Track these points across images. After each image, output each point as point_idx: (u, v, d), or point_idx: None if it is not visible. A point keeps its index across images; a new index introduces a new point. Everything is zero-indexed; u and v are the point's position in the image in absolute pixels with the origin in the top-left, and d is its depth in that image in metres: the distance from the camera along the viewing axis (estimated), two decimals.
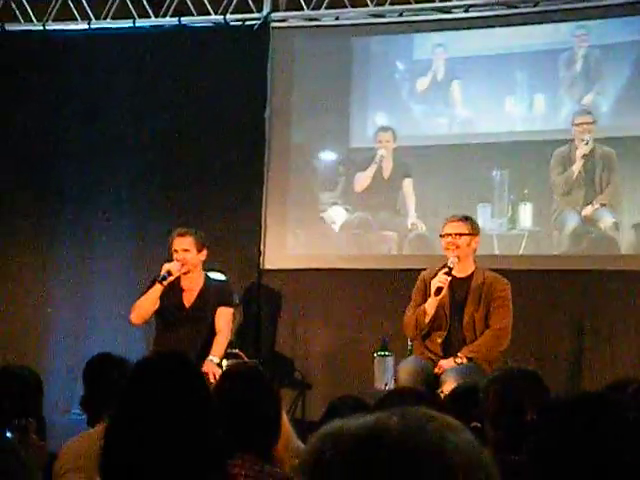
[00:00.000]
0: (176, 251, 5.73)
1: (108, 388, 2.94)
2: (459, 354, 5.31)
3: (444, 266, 5.43)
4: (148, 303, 5.67)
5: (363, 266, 6.93)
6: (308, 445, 1.09)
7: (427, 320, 5.35)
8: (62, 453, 3.12)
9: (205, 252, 5.80)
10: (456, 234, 5.40)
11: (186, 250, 5.72)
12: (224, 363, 5.79)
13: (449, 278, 5.32)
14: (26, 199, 7.45)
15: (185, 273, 5.73)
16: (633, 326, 6.37)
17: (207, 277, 5.87)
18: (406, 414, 1.10)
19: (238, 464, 2.13)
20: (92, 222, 7.37)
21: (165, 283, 5.64)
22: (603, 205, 6.51)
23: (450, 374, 5.09)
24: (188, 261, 5.72)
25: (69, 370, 7.18)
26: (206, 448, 1.86)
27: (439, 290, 5.30)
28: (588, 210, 6.55)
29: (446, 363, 5.31)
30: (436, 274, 5.41)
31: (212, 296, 5.79)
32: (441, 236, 5.50)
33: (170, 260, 5.74)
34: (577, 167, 6.60)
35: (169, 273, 5.66)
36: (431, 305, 5.34)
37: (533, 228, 6.72)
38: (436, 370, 5.32)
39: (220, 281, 5.99)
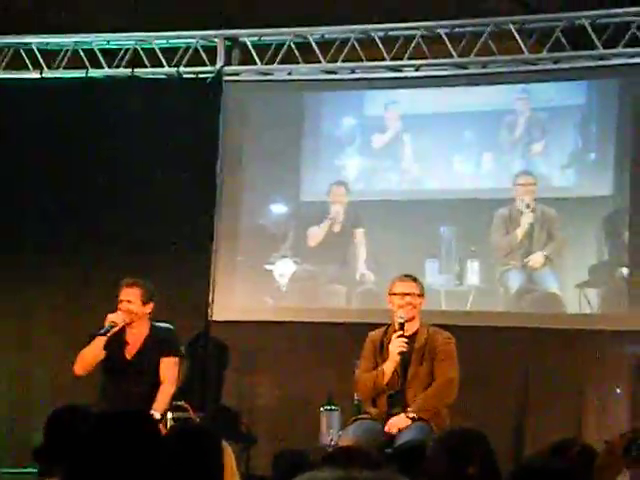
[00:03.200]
0: (121, 301, 5.71)
1: (68, 441, 2.80)
2: (409, 409, 5.33)
3: (392, 326, 5.47)
4: (91, 355, 5.65)
5: (311, 319, 6.95)
6: None
7: (385, 382, 5.40)
8: None
9: (151, 305, 5.78)
10: (412, 293, 5.46)
11: (129, 302, 5.70)
12: (169, 416, 5.74)
13: (407, 341, 5.37)
14: None
15: (129, 324, 5.70)
16: (577, 384, 6.45)
17: (152, 327, 5.83)
18: (378, 473, 1.11)
19: None
20: (36, 272, 7.31)
21: (108, 335, 5.61)
22: (547, 267, 6.61)
23: (404, 436, 5.09)
24: (132, 311, 5.69)
25: (3, 423, 7.09)
26: None
27: (402, 354, 5.35)
28: (532, 270, 6.64)
29: (397, 420, 5.32)
30: (386, 333, 5.46)
31: (155, 346, 5.76)
32: (393, 294, 5.51)
33: (115, 310, 5.71)
34: (522, 230, 6.72)
35: (113, 324, 5.63)
36: (389, 368, 5.39)
37: (480, 284, 6.80)
38: (387, 429, 5.32)
39: (164, 329, 5.94)
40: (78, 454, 2.01)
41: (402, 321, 5.41)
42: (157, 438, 2.07)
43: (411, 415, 5.30)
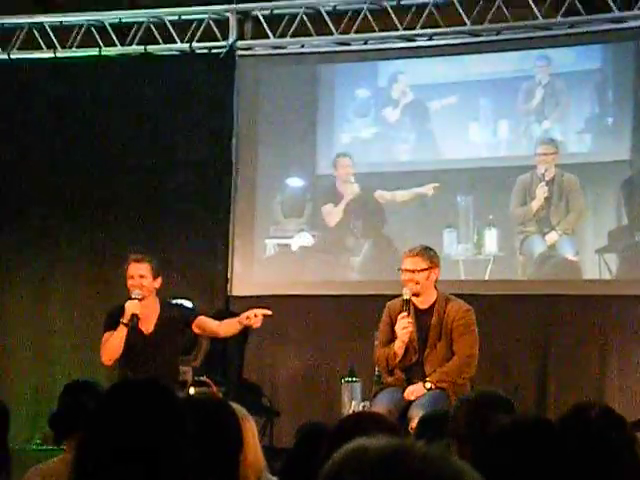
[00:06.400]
0: (132, 277, 5.65)
1: (80, 411, 3.04)
2: (428, 379, 5.31)
3: (402, 303, 5.35)
4: (117, 344, 5.61)
5: (330, 292, 6.95)
6: (328, 465, 1.08)
7: (397, 360, 5.35)
8: (29, 476, 3.11)
9: (160, 280, 5.73)
10: (414, 270, 5.31)
11: (142, 276, 5.66)
12: (191, 391, 5.74)
13: (411, 321, 5.28)
14: None
15: (141, 300, 5.67)
16: (595, 350, 6.43)
17: (164, 303, 5.80)
18: (429, 443, 1.10)
19: None
20: (52, 248, 7.35)
21: (130, 324, 5.58)
22: (566, 233, 6.60)
23: (417, 407, 5.08)
24: (145, 287, 5.66)
25: (31, 399, 7.14)
26: (175, 477, 1.85)
27: (407, 335, 5.28)
28: (551, 237, 6.63)
29: (415, 389, 5.31)
30: (400, 311, 5.33)
31: (171, 323, 5.72)
32: (400, 270, 5.38)
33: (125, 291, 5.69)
34: (537, 202, 6.67)
35: (135, 315, 5.60)
36: (400, 348, 5.31)
37: (498, 253, 6.78)
38: (405, 395, 5.31)
39: (177, 306, 5.95)
40: (92, 421, 2.01)
41: (406, 297, 5.31)
42: (172, 408, 2.06)
43: (428, 386, 5.27)
